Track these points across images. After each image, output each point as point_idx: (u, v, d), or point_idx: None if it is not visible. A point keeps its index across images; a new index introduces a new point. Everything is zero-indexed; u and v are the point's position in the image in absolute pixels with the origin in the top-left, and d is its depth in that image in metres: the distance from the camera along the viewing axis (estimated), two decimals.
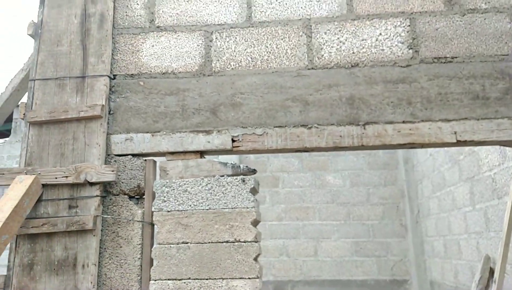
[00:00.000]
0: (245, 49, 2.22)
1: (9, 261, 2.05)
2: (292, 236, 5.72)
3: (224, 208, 2.02)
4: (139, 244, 2.05)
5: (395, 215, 5.85)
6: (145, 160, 2.20)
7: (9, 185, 2.12)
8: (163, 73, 2.28)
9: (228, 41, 2.25)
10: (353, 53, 2.11)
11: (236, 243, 1.96)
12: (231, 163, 2.15)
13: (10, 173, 2.15)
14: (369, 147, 1.95)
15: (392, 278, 5.58)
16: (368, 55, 2.11)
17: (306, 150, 2.05)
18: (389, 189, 5.89)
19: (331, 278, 5.63)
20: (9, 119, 6.69)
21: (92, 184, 2.08)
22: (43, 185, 2.09)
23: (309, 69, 2.10)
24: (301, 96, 2.05)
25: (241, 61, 2.21)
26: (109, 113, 2.24)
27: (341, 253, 5.68)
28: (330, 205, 5.82)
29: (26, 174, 2.10)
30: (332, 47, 2.13)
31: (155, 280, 1.94)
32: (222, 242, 1.97)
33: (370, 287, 5.57)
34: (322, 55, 2.12)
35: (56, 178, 2.08)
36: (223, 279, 1.90)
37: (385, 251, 5.68)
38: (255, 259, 1.93)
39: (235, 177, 2.07)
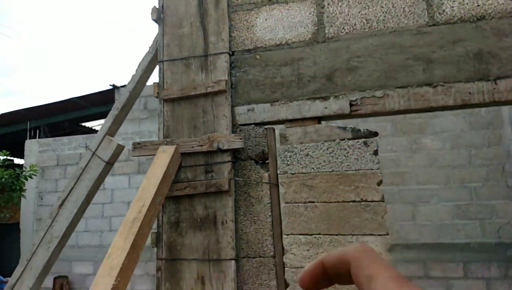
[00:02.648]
0: (359, 12, 2.23)
1: (158, 220, 2.37)
2: (387, 201, 5.67)
3: (347, 170, 2.12)
4: (269, 203, 2.24)
5: (500, 177, 5.50)
6: (266, 128, 2.36)
7: (152, 155, 2.43)
8: (277, 45, 2.38)
9: (340, 6, 2.28)
10: (478, 6, 2.02)
11: (363, 203, 2.05)
12: (350, 127, 2.22)
13: (152, 145, 2.46)
14: (501, 102, 1.88)
15: (498, 241, 5.32)
16: (495, 6, 2.00)
17: (431, 109, 2.05)
18: (493, 150, 5.52)
19: (431, 242, 5.53)
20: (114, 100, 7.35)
21: (223, 151, 2.30)
22: (182, 154, 2.36)
23: (430, 26, 2.05)
24: (423, 54, 2.03)
25: (355, 24, 2.23)
26: (231, 87, 2.42)
27: (441, 216, 5.52)
28: (428, 169, 5.63)
29: (166, 145, 2.38)
30: (454, 1, 2.05)
31: (287, 235, 2.12)
32: (348, 202, 2.08)
33: (474, 251, 5.37)
34: (444, 10, 2.05)
35: (192, 147, 2.34)
36: (352, 235, 2.03)
37: (489, 214, 5.41)
38: (383, 217, 2.02)
39: (356, 141, 2.14)
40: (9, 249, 9.20)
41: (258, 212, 2.24)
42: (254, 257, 2.18)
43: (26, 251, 5.17)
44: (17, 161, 9.30)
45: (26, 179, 6.92)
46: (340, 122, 2.37)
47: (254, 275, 2.15)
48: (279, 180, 2.24)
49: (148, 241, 2.26)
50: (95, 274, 6.44)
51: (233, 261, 2.14)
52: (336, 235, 2.05)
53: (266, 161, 2.34)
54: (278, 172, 2.24)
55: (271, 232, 2.20)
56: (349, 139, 2.16)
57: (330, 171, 2.14)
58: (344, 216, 2.07)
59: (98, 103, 8.40)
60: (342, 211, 2.08)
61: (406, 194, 5.69)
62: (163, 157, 2.27)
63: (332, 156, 2.16)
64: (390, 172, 5.82)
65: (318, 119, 2.28)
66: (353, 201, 2.07)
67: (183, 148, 2.35)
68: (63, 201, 2.71)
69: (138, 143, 2.50)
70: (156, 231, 2.36)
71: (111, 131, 2.74)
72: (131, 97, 2.72)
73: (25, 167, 7.23)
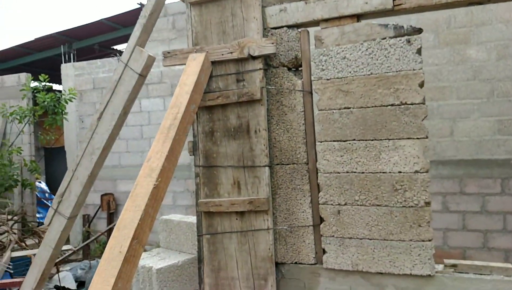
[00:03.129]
0: None
1: (193, 130, 2.39)
2: None
3: (387, 72, 1.99)
4: (302, 111, 2.18)
5: None
6: (299, 31, 2.22)
7: (182, 64, 2.38)
8: None
9: None
10: None
11: (402, 106, 1.95)
12: (393, 24, 2.04)
13: (182, 53, 2.40)
14: None
15: None
16: None
17: (481, 2, 1.84)
18: None
19: (468, 158, 5.39)
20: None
21: (254, 58, 2.21)
22: (212, 62, 2.30)
23: None
24: None
25: None
26: None
27: (481, 132, 5.31)
28: (471, 82, 5.30)
29: (196, 52, 2.32)
30: None
31: (321, 142, 2.09)
32: (386, 106, 1.99)
33: None
34: None
35: (222, 54, 2.26)
36: (389, 139, 1.96)
37: None
38: (422, 120, 1.93)
39: (398, 39, 1.98)
40: (58, 171, 9.89)
41: (291, 120, 2.20)
42: (288, 164, 2.19)
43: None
44: (55, 87, 9.57)
45: (67, 103, 7.14)
46: (380, 20, 2.19)
47: (288, 181, 2.18)
48: (313, 87, 2.15)
49: (185, 153, 2.30)
50: None
51: (267, 168, 2.16)
52: (372, 140, 2.00)
53: (300, 68, 2.24)
54: (312, 78, 2.15)
55: (304, 140, 2.17)
56: (391, 37, 2.00)
57: (369, 74, 2.03)
58: (381, 121, 1.99)
59: (128, 23, 8.26)
60: (380, 115, 1.99)
61: (445, 109, 5.45)
62: (194, 65, 2.22)
63: (372, 58, 2.03)
64: (429, 87, 5.54)
65: (357, 17, 2.11)
66: (392, 105, 1.97)
67: (213, 56, 2.27)
68: (101, 113, 2.77)
69: (168, 52, 2.45)
70: (192, 140, 2.40)
71: (141, 41, 2.68)
72: (158, 3, 2.60)
73: (64, 90, 7.41)
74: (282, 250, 2.17)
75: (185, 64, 2.30)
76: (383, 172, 1.96)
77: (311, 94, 2.20)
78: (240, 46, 2.21)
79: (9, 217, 5.56)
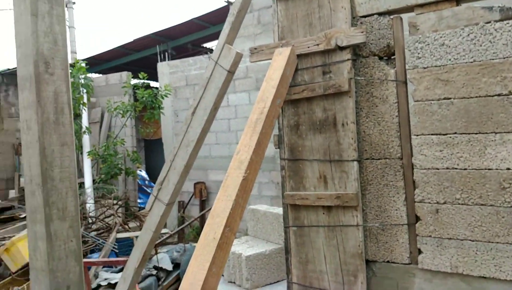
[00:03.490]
0: None
1: (278, 123, 2.41)
2: None
3: (493, 59, 1.79)
4: (395, 103, 2.07)
5: None
6: (391, 18, 2.10)
7: (269, 59, 2.40)
8: None
9: None
10: None
11: (511, 96, 1.74)
12: (498, 6, 1.82)
13: (268, 48, 2.42)
14: None
15: None
16: None
17: None
18: None
19: None
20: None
21: (342, 48, 2.14)
22: (298, 56, 2.28)
23: None
24: None
25: None
26: None
27: None
28: None
29: (282, 47, 2.32)
30: None
31: (417, 135, 1.96)
32: (492, 96, 1.79)
33: None
34: None
35: (308, 47, 2.23)
36: (496, 133, 1.77)
37: None
38: None
39: (505, 22, 1.76)
40: (156, 161, 10.75)
41: (383, 112, 2.10)
42: (379, 159, 2.10)
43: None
44: (152, 84, 10.36)
45: (163, 98, 7.69)
46: (483, 3, 1.97)
47: (379, 176, 2.09)
48: (408, 76, 2.02)
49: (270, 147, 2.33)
50: None
51: (355, 162, 2.09)
52: (476, 133, 1.82)
53: (392, 56, 2.12)
54: (407, 67, 2.02)
55: (398, 133, 2.06)
56: (497, 21, 1.79)
57: (471, 62, 1.84)
58: (486, 113, 1.80)
59: (216, 21, 8.60)
60: (485, 106, 1.80)
61: None
62: (280, 60, 2.23)
63: (474, 44, 1.83)
64: None
65: (456, 0, 1.92)
66: (499, 95, 1.77)
67: (299, 49, 2.26)
68: (195, 109, 2.93)
69: (255, 48, 2.49)
70: (277, 133, 2.42)
71: (230, 38, 2.77)
72: (245, 0, 2.66)
73: (160, 87, 8.00)
74: (373, 248, 2.09)
75: (271, 59, 2.32)
76: (489, 169, 1.77)
77: (406, 84, 2.07)
78: (327, 38, 2.16)
79: (115, 201, 6.21)
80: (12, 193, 7.85)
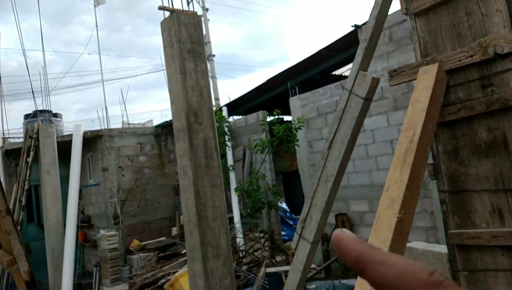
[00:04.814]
0: None
1: (432, 150, 2.14)
2: None
3: None
4: None
5: None
6: None
7: (411, 80, 2.19)
8: None
9: None
10: None
11: None
12: None
13: (410, 68, 2.21)
14: None
15: None
16: None
17: None
18: None
19: None
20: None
21: (503, 56, 1.81)
22: (447, 72, 2.02)
23: None
24: None
25: None
26: None
27: None
28: None
29: (426, 64, 2.09)
30: None
31: None
32: None
33: None
34: None
35: (459, 60, 1.95)
36: None
37: None
38: None
39: None
40: (295, 192, 10.90)
41: None
42: None
43: (307, 191, 5.98)
44: (286, 118, 10.72)
45: (297, 131, 7.85)
46: None
47: None
48: None
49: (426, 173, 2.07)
50: (370, 211, 6.76)
51: None
52: None
53: None
54: None
55: None
56: None
57: None
58: None
59: (343, 48, 8.51)
60: None
61: None
62: (426, 79, 2.00)
63: None
64: None
65: None
66: None
67: (448, 64, 1.99)
68: (331, 142, 2.85)
69: (394, 71, 2.31)
70: (432, 162, 2.15)
71: (363, 65, 2.64)
72: (378, 24, 2.52)
73: (293, 120, 8.20)
74: None
75: (414, 79, 2.10)
76: None
77: None
78: (482, 47, 1.86)
79: (261, 235, 6.42)
80: (174, 231, 8.84)
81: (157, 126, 9.88)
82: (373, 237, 1.61)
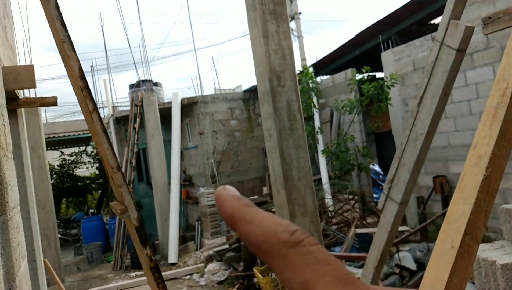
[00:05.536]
0: None
1: None
2: None
3: None
4: None
5: None
6: None
7: (508, 26, 1.96)
8: None
9: None
10: None
11: None
12: None
13: (507, 14, 1.98)
14: None
15: None
16: None
17: None
18: None
19: None
20: None
21: None
22: None
23: None
24: None
25: None
26: None
27: None
28: None
29: None
30: None
31: None
32: None
33: None
34: None
35: None
36: None
37: None
38: None
39: None
40: (389, 153, 10.48)
41: None
42: None
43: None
44: (378, 75, 10.18)
45: (389, 89, 7.47)
46: None
47: None
48: None
49: None
50: None
51: None
52: None
53: None
54: None
55: None
56: None
57: None
58: None
59: None
60: None
61: None
62: None
63: None
64: None
65: None
66: None
67: None
68: (421, 98, 2.70)
69: (489, 18, 2.09)
70: None
71: (456, 13, 2.42)
72: None
73: (386, 77, 7.79)
74: None
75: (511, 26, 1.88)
76: None
77: None
78: None
79: (350, 197, 6.40)
80: (265, 190, 9.25)
81: (245, 91, 10.19)
82: (457, 195, 1.55)
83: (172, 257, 7.79)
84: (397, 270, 4.22)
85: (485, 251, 2.49)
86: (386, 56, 7.92)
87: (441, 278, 1.38)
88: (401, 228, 5.49)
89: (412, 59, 7.45)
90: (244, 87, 10.69)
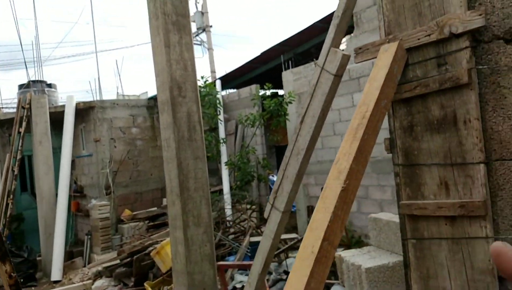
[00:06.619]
0: None
1: (390, 125, 2.24)
2: None
3: None
4: None
5: None
6: None
7: (374, 57, 2.25)
8: None
9: None
10: None
11: None
12: None
13: (373, 46, 2.28)
14: None
15: None
16: None
17: None
18: None
19: None
20: None
21: (458, 36, 1.88)
22: (407, 50, 2.09)
23: None
24: None
25: None
26: None
27: None
28: None
29: (388, 42, 2.16)
30: None
31: None
32: None
33: None
34: None
35: (418, 39, 2.02)
36: None
37: None
38: None
39: None
40: None
41: None
42: (511, 159, 1.76)
43: None
44: (280, 92, 10.73)
45: (287, 105, 7.91)
46: None
47: None
48: None
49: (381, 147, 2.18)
50: None
51: (482, 165, 1.80)
52: None
53: None
54: None
55: None
56: None
57: None
58: None
59: None
60: None
61: None
62: (385, 57, 2.07)
63: None
64: None
65: None
66: None
67: (408, 43, 2.06)
68: (303, 117, 2.94)
69: (360, 48, 2.37)
70: (389, 137, 2.25)
71: (335, 42, 2.70)
72: (350, 1, 2.56)
73: (285, 95, 8.24)
74: None
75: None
76: None
77: None
78: (439, 26, 1.93)
79: (248, 206, 6.60)
80: (165, 201, 9.05)
81: (150, 98, 9.93)
82: (319, 204, 1.74)
83: (56, 274, 7.14)
84: (284, 277, 4.45)
85: (354, 256, 2.78)
86: (286, 75, 8.41)
87: (301, 282, 1.53)
88: (290, 236, 5.81)
89: (308, 80, 8.01)
90: (151, 94, 10.40)
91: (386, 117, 2.35)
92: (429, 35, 1.97)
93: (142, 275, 5.24)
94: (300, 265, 1.55)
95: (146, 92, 11.56)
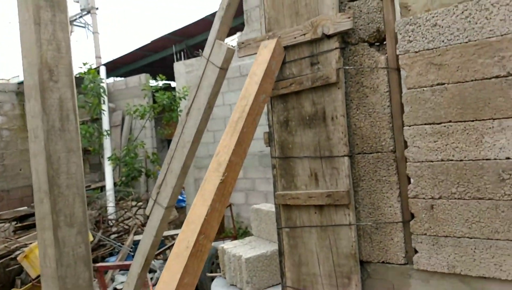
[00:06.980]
0: None
1: (268, 120, 2.31)
2: None
3: (490, 37, 1.62)
4: (386, 92, 1.92)
5: None
6: (381, 0, 1.95)
7: (255, 53, 2.30)
8: None
9: None
10: None
11: (510, 77, 1.57)
12: None
13: (255, 42, 2.32)
14: None
15: None
16: None
17: None
18: None
19: None
20: (240, 13, 7.29)
21: (329, 37, 2.02)
22: (285, 48, 2.17)
23: None
24: None
25: None
26: None
27: None
28: None
29: (268, 39, 2.22)
30: None
31: (410, 126, 1.81)
32: (489, 78, 1.62)
33: None
34: None
35: (295, 38, 2.11)
36: (494, 119, 1.60)
37: None
38: None
39: None
40: None
41: (374, 103, 1.95)
42: (371, 153, 1.96)
43: None
44: (172, 84, 10.44)
45: (180, 100, 7.72)
46: None
47: (371, 172, 1.95)
48: (400, 62, 1.87)
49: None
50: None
51: (346, 158, 1.97)
52: (472, 121, 1.65)
53: (384, 42, 1.97)
54: (398, 52, 1.87)
55: (390, 125, 1.91)
56: None
57: (466, 42, 1.67)
58: (483, 97, 1.63)
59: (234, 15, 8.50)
60: (481, 91, 1.63)
61: None
62: (264, 53, 2.13)
63: (469, 22, 1.67)
64: None
65: None
66: (497, 77, 1.60)
67: (286, 41, 2.14)
68: (189, 109, 2.88)
69: (242, 43, 2.40)
70: (268, 131, 2.32)
71: (220, 34, 2.68)
72: None
73: (178, 89, 8.02)
74: (367, 248, 1.96)
75: None
76: (487, 159, 1.61)
77: (398, 71, 1.92)
78: (313, 26, 2.04)
79: (133, 204, 6.29)
80: None
81: (20, 83, 8.78)
82: (197, 198, 1.70)
83: None
84: None
85: (235, 247, 2.83)
86: (178, 67, 8.20)
87: (174, 279, 1.47)
88: (179, 231, 5.71)
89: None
90: (23, 79, 9.18)
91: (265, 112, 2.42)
92: (304, 34, 2.07)
93: (8, 282, 4.63)
94: (175, 261, 1.49)
95: (18, 76, 10.19)
